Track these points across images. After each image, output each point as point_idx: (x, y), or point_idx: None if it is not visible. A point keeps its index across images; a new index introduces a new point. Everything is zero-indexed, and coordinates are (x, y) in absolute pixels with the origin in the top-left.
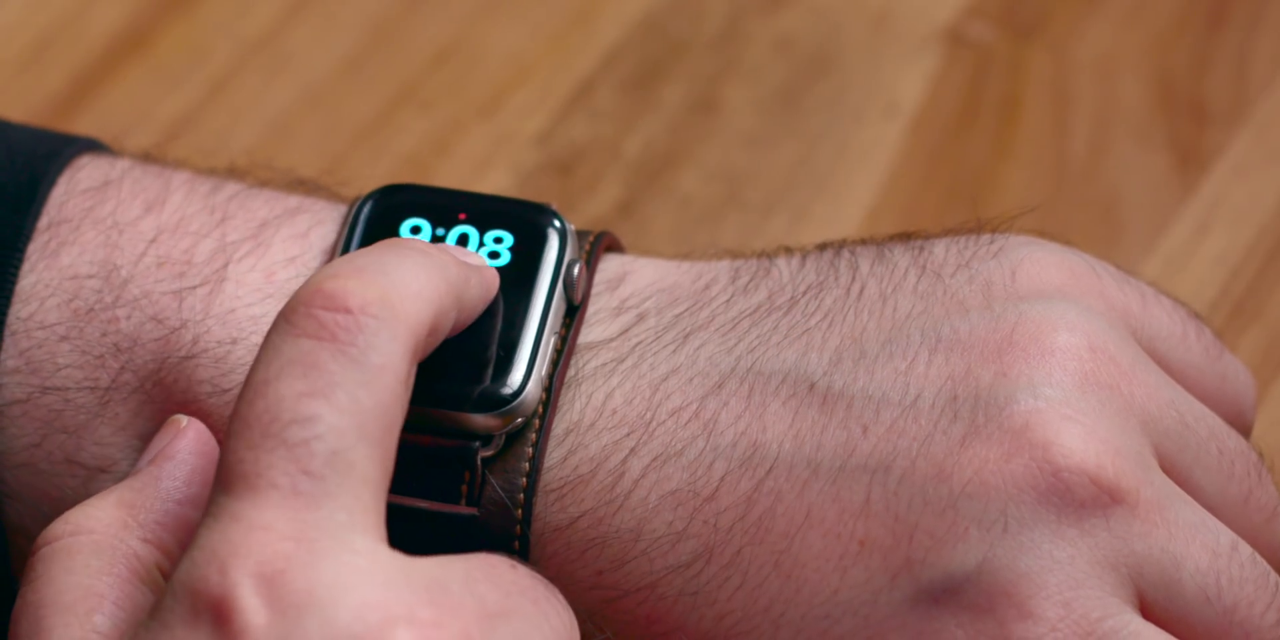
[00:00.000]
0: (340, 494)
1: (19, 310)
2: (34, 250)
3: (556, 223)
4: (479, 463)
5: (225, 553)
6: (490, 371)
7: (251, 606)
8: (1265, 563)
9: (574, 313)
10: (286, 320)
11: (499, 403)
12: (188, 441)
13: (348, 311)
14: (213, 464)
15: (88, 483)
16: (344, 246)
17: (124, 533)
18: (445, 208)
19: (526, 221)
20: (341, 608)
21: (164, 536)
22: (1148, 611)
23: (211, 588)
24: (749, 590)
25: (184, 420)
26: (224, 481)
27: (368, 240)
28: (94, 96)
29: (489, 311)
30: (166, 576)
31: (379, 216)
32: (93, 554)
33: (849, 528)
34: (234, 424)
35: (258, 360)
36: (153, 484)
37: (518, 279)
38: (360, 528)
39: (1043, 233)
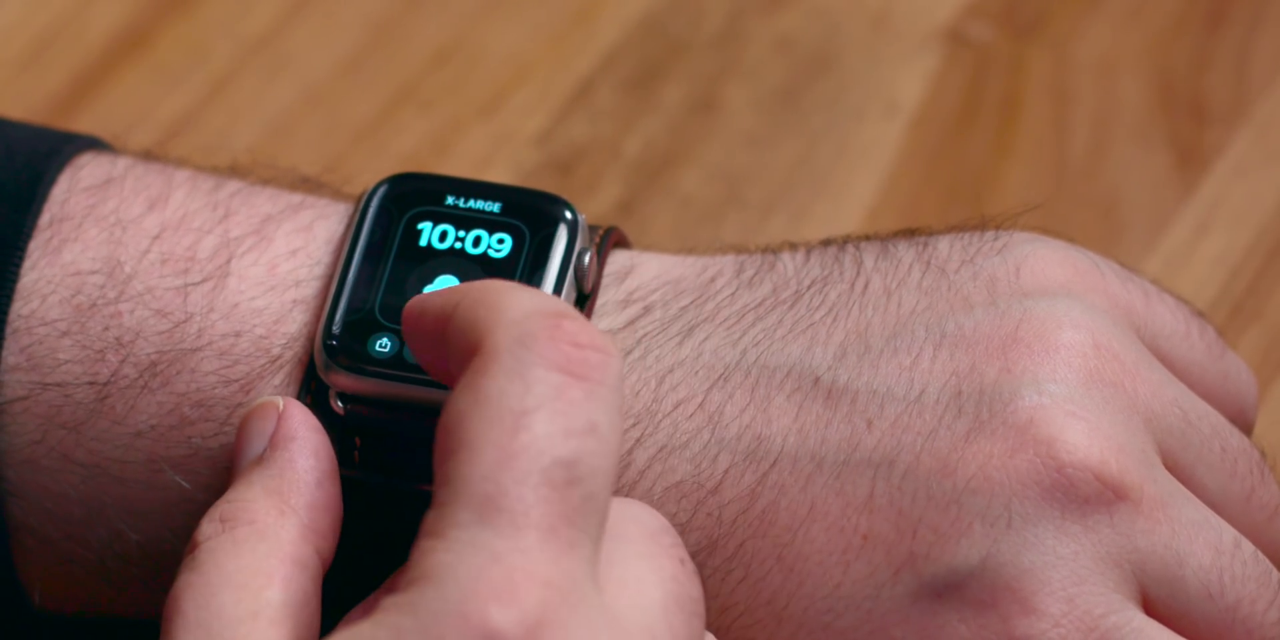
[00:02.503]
0: (587, 543)
1: (20, 307)
2: (35, 247)
3: (568, 213)
4: None
5: (486, 594)
6: None
7: None
8: (1267, 560)
9: (584, 302)
10: (528, 348)
11: None
12: (300, 421)
13: (597, 349)
14: (323, 437)
15: (88, 479)
16: (354, 234)
17: (281, 519)
18: (454, 198)
19: (539, 210)
20: None
21: (317, 518)
22: (1150, 608)
23: (470, 629)
24: (751, 583)
25: (279, 400)
26: (480, 510)
27: (378, 229)
28: (94, 96)
29: None
30: (323, 558)
31: (390, 205)
32: (259, 540)
33: (852, 522)
34: (489, 450)
35: (501, 381)
36: (290, 468)
37: (529, 266)
38: (594, 578)
39: (1044, 231)
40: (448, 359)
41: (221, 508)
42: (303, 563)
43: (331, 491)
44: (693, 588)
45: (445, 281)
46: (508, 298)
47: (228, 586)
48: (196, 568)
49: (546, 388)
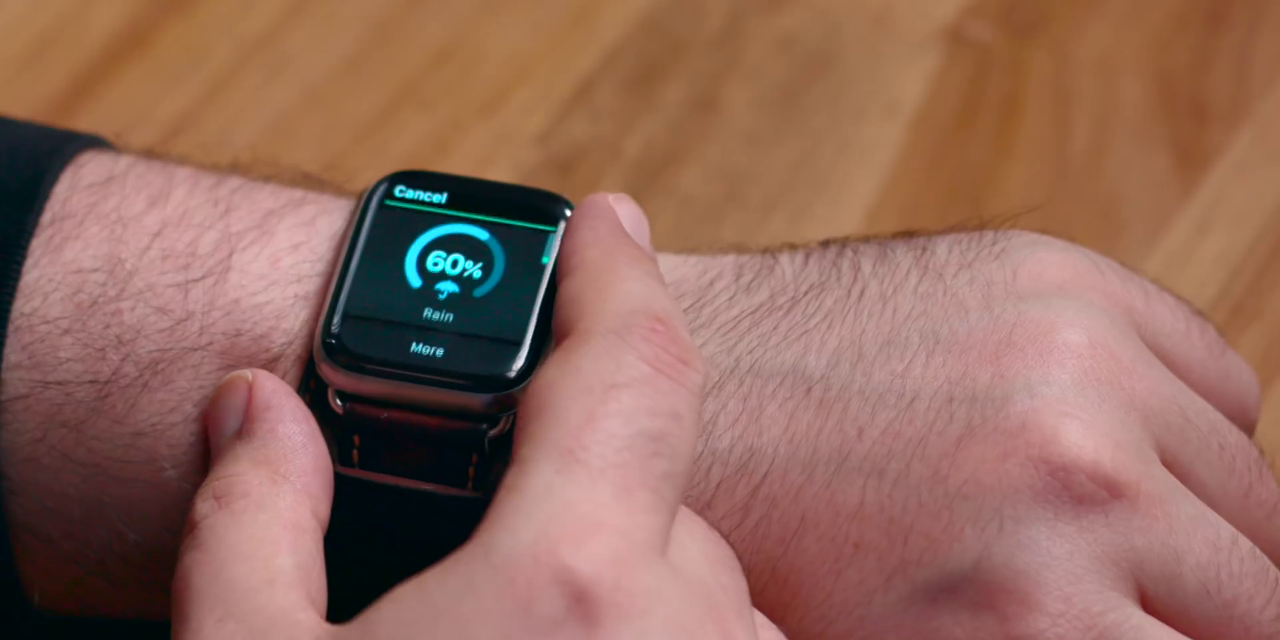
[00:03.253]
0: (663, 510)
1: (22, 305)
2: (37, 246)
3: (569, 212)
4: (487, 445)
5: (558, 536)
6: (497, 354)
7: (584, 595)
8: (1265, 558)
9: None
10: (620, 337)
11: (504, 384)
12: (272, 390)
13: (684, 362)
14: (298, 401)
15: (88, 478)
16: (354, 231)
17: (275, 488)
18: (457, 195)
19: (537, 209)
20: (655, 618)
21: (309, 482)
22: (1148, 605)
23: (541, 568)
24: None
25: (248, 373)
26: (560, 463)
27: (379, 227)
28: (94, 95)
29: (499, 296)
30: (320, 521)
31: (391, 203)
32: (257, 511)
33: (843, 531)
34: (576, 412)
35: (592, 359)
36: (273, 436)
37: (528, 265)
38: (665, 547)
39: (1044, 232)
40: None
41: (213, 485)
42: (303, 527)
43: (318, 453)
44: (726, 548)
45: (449, 279)
46: (619, 287)
47: (236, 558)
48: (200, 545)
49: (636, 372)
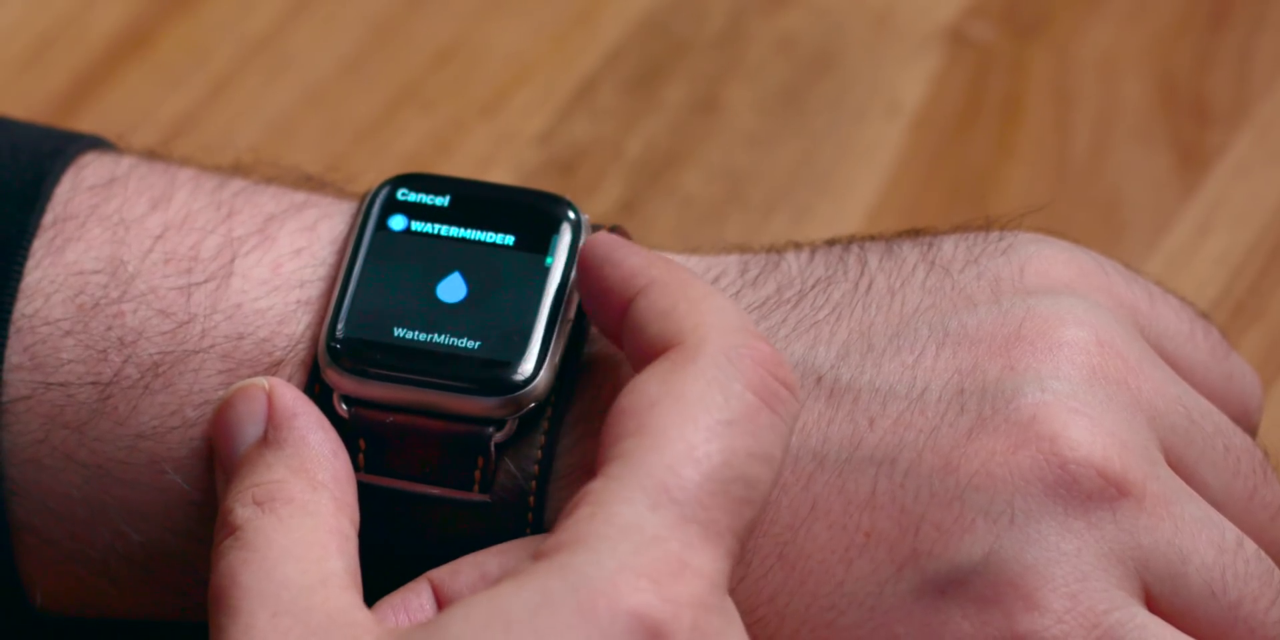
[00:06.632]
0: (734, 557)
1: (24, 306)
2: (39, 247)
3: (571, 213)
4: (492, 449)
5: (642, 570)
6: (504, 357)
7: (660, 633)
8: (1269, 560)
9: None
10: (733, 363)
11: (511, 388)
12: (294, 397)
13: (789, 388)
14: (319, 409)
15: (90, 479)
16: (357, 235)
17: (315, 495)
18: (460, 198)
19: (542, 211)
20: None
21: (344, 491)
22: (1153, 605)
23: (619, 602)
24: (753, 581)
25: (264, 381)
26: (654, 495)
27: (382, 231)
28: (95, 96)
29: (504, 298)
30: (355, 528)
31: (394, 206)
32: (304, 516)
33: (855, 520)
34: (679, 443)
35: (702, 385)
36: (305, 444)
37: (533, 267)
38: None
39: (1046, 232)
40: (622, 324)
41: (251, 491)
42: (345, 534)
43: (345, 461)
44: None
45: (454, 282)
46: (714, 301)
47: (288, 559)
48: (246, 545)
49: (743, 405)
